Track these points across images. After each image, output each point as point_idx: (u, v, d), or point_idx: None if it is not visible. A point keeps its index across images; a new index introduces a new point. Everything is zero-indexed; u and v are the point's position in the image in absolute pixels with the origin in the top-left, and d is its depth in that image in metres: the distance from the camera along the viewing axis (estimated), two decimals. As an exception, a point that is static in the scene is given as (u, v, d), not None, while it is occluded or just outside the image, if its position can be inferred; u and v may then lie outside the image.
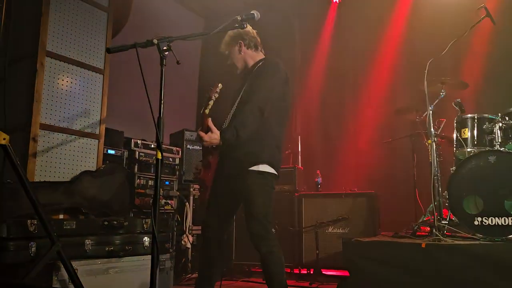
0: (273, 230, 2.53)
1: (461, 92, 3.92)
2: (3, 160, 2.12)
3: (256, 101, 2.47)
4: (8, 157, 2.13)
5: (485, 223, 2.94)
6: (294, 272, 4.21)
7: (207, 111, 2.43)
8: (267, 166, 2.53)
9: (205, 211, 2.70)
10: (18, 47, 3.24)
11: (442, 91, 3.69)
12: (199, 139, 2.41)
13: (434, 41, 4.72)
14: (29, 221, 2.49)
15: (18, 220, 2.49)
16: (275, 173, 2.56)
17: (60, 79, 3.25)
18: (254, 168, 2.49)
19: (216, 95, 2.46)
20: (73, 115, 3.31)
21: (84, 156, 3.36)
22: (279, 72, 2.65)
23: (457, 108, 3.51)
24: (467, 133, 3.42)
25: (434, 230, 3.04)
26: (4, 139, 2.10)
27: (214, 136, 2.37)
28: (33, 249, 2.46)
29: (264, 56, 2.81)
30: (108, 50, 1.85)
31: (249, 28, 2.72)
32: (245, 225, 2.50)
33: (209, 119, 2.40)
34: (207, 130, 2.38)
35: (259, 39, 2.81)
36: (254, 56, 2.77)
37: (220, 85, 2.49)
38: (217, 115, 2.52)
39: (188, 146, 4.75)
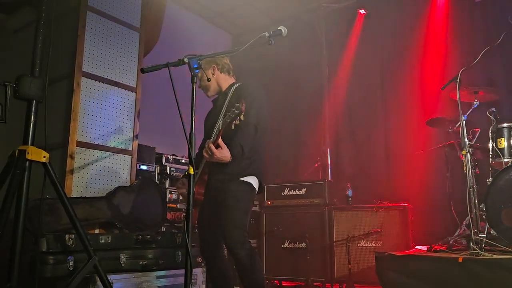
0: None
1: (495, 101, 3.81)
2: (44, 178, 2.21)
3: (251, 118, 2.54)
4: (48, 175, 2.21)
5: (526, 236, 2.83)
6: (326, 287, 4.15)
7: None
8: (254, 178, 2.65)
9: (198, 231, 2.77)
10: (55, 68, 3.39)
11: (476, 100, 3.61)
12: (209, 153, 2.43)
13: (465, 49, 4.65)
14: (67, 236, 2.58)
15: (57, 235, 2.58)
16: (258, 187, 2.67)
17: (95, 98, 3.38)
18: (241, 178, 2.60)
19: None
20: (107, 133, 3.42)
21: (118, 172, 3.46)
22: (263, 92, 2.77)
23: (492, 118, 3.42)
24: (503, 143, 3.32)
25: (471, 244, 2.94)
26: (44, 157, 2.19)
27: (225, 153, 2.45)
28: (71, 263, 2.53)
29: (235, 80, 2.90)
30: (142, 71, 1.92)
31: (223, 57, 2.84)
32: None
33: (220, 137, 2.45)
34: (217, 146, 2.43)
35: (231, 65, 2.92)
36: (227, 80, 2.87)
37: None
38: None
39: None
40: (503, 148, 3.32)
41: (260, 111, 2.65)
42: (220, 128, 2.41)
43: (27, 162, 2.12)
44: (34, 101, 2.23)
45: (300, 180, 4.79)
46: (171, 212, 4.17)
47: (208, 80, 2.77)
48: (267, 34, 2.29)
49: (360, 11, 5.59)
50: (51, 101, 3.30)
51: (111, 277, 2.56)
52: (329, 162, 5.47)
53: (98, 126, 3.38)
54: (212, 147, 2.42)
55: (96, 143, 3.35)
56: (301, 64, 5.98)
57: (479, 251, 2.87)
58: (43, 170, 2.20)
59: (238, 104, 2.32)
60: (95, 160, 3.31)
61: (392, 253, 3.28)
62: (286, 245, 4.39)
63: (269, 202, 4.61)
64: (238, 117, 2.33)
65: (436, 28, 4.98)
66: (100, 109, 3.41)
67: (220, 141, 2.43)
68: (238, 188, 2.59)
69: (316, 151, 5.60)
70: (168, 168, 4.30)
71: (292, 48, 5.82)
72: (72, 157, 3.15)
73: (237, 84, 2.84)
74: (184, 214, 2.58)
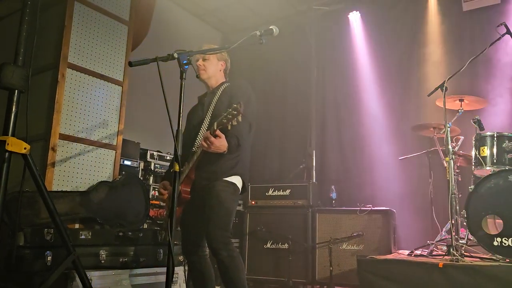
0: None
1: (480, 109, 3.87)
2: (23, 170, 2.15)
3: (247, 116, 2.52)
4: (28, 167, 2.16)
5: (505, 244, 2.88)
6: (307, 288, 4.17)
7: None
8: (239, 178, 2.65)
9: (180, 230, 2.75)
10: (40, 59, 3.32)
11: (461, 108, 3.65)
12: (208, 143, 2.38)
13: (452, 58, 4.71)
14: (45, 230, 2.52)
15: (35, 229, 2.52)
16: (242, 187, 2.68)
17: (80, 90, 3.31)
18: (227, 178, 2.59)
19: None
20: (92, 126, 3.36)
21: (101, 167, 3.40)
22: (253, 92, 2.77)
23: (475, 126, 3.47)
24: (486, 152, 3.37)
25: (451, 250, 2.98)
26: (25, 148, 2.14)
27: (223, 141, 2.39)
28: (49, 258, 2.48)
29: (225, 80, 2.90)
30: (130, 64, 1.88)
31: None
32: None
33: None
34: (215, 136, 2.38)
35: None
36: (220, 79, 2.88)
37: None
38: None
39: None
40: (485, 156, 3.37)
41: (253, 111, 2.65)
42: (216, 128, 2.35)
43: (7, 154, 2.06)
44: (16, 90, 2.17)
45: (284, 181, 4.79)
46: (154, 209, 4.12)
47: (214, 72, 2.80)
48: (258, 33, 2.28)
49: (350, 14, 5.62)
50: (34, 92, 3.26)
51: (90, 273, 2.51)
52: (314, 164, 5.48)
53: (82, 119, 3.31)
54: (210, 136, 2.37)
55: (79, 136, 3.28)
56: (290, 65, 5.98)
57: (459, 257, 2.91)
58: (23, 162, 2.14)
59: (236, 105, 2.26)
60: (78, 154, 3.25)
61: (373, 256, 3.31)
62: (268, 245, 4.38)
63: (253, 202, 4.60)
64: (236, 118, 2.28)
65: (425, 35, 5.04)
66: (85, 102, 3.34)
67: (218, 131, 2.38)
68: (223, 188, 2.58)
69: (302, 153, 5.61)
70: (153, 164, 4.25)
71: (281, 49, 5.82)
72: (54, 150, 3.08)
73: (227, 84, 2.83)
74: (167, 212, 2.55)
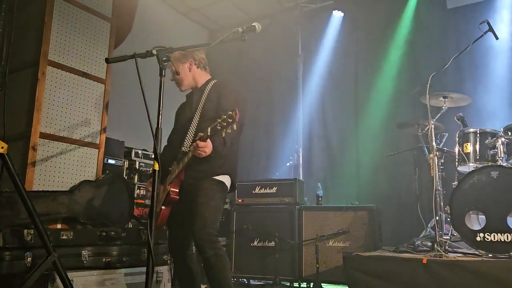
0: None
1: (463, 106, 3.90)
2: (0, 169, 2.10)
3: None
4: (5, 166, 2.11)
5: (488, 239, 2.91)
6: (294, 286, 4.16)
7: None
8: (228, 177, 2.65)
9: (168, 229, 2.74)
10: (20, 56, 3.25)
11: (444, 105, 3.68)
12: (201, 151, 2.36)
13: (436, 55, 4.74)
14: (25, 231, 2.47)
15: (15, 230, 2.46)
16: (230, 186, 2.68)
17: (61, 88, 3.25)
18: (215, 177, 2.59)
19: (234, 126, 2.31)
20: (74, 125, 3.30)
21: (83, 166, 3.34)
22: (241, 91, 2.76)
23: (459, 123, 3.49)
24: (469, 148, 3.40)
25: (435, 246, 3.00)
26: (2, 147, 2.09)
27: (208, 145, 2.37)
28: (29, 259, 2.43)
29: (211, 77, 2.86)
30: (107, 60, 1.85)
31: (200, 51, 2.80)
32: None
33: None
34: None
35: (206, 61, 2.87)
36: (203, 75, 2.83)
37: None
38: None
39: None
40: (468, 153, 3.40)
41: (242, 110, 2.61)
42: (209, 134, 2.31)
43: (-17, 153, 2.01)
44: (-8, 88, 2.12)
45: (271, 179, 4.77)
46: (139, 208, 4.08)
47: (185, 75, 2.73)
48: (240, 30, 2.25)
49: (336, 12, 5.62)
50: (14, 90, 3.20)
51: (71, 274, 2.47)
52: (301, 162, 5.49)
53: (63, 117, 3.25)
54: (203, 144, 2.34)
55: (61, 135, 3.22)
56: (276, 63, 5.97)
57: (443, 253, 2.93)
58: (1, 161, 2.09)
59: (231, 112, 2.21)
60: (60, 153, 3.20)
61: (359, 253, 3.32)
62: (255, 243, 4.37)
63: (239, 200, 4.58)
64: (231, 126, 2.23)
65: (409, 32, 5.07)
66: (67, 100, 3.28)
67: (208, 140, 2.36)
68: (210, 186, 2.57)
69: (289, 151, 5.61)
70: (137, 163, 4.20)
71: (268, 47, 5.81)
72: (34, 149, 3.03)
73: (214, 81, 2.80)
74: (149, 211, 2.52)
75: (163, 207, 2.58)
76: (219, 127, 2.25)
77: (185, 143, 2.65)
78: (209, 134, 2.31)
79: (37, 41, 3.18)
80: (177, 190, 2.56)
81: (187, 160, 2.50)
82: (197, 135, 2.50)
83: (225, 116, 2.23)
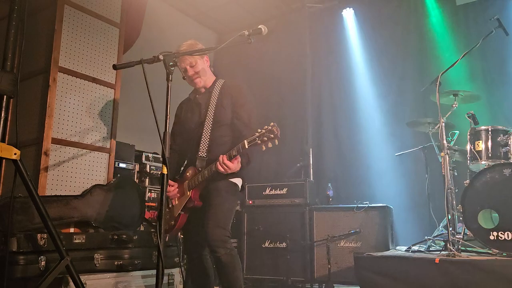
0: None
1: (474, 104, 3.86)
2: (14, 175, 2.14)
3: (253, 125, 2.52)
4: (18, 172, 2.15)
5: (501, 238, 2.87)
6: (306, 287, 4.15)
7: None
8: (240, 180, 2.68)
9: (184, 231, 2.77)
10: (31, 63, 3.31)
11: (455, 103, 3.64)
12: (224, 167, 2.40)
13: (446, 52, 4.70)
14: (39, 235, 2.51)
15: (28, 234, 2.50)
16: (241, 188, 2.71)
17: (72, 94, 3.30)
18: (230, 179, 2.61)
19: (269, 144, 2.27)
20: (85, 130, 3.35)
21: (95, 170, 3.38)
22: (252, 95, 2.75)
23: (470, 120, 3.45)
24: (481, 146, 3.36)
25: (448, 245, 2.97)
26: (15, 154, 2.13)
27: (238, 165, 2.44)
28: (43, 263, 2.46)
29: (215, 77, 2.85)
30: (114, 67, 1.87)
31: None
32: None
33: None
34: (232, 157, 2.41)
35: None
36: (211, 76, 2.83)
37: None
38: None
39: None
40: (480, 151, 3.36)
41: (254, 114, 2.66)
42: (247, 146, 2.30)
43: (-4, 160, 2.05)
44: (5, 96, 2.16)
45: (281, 180, 4.78)
46: (151, 211, 4.12)
47: (203, 73, 2.73)
48: (246, 33, 2.25)
49: (344, 11, 5.60)
50: (26, 97, 3.25)
51: (84, 277, 2.50)
52: (311, 162, 5.47)
53: (75, 122, 3.30)
54: (228, 161, 2.38)
55: (72, 140, 3.27)
56: (285, 63, 5.97)
57: (456, 252, 2.90)
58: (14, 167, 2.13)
59: (270, 127, 2.19)
60: (71, 158, 3.24)
61: (370, 253, 3.30)
62: (266, 244, 4.37)
63: (250, 202, 4.59)
64: (273, 141, 2.19)
65: (419, 30, 5.03)
66: (77, 106, 3.33)
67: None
68: (225, 188, 2.59)
69: (299, 151, 5.60)
70: (148, 166, 4.24)
71: (276, 47, 5.81)
72: (46, 154, 3.07)
73: (222, 81, 2.79)
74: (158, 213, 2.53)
75: (182, 213, 2.61)
76: (259, 142, 2.23)
77: (200, 148, 2.63)
78: (246, 146, 2.30)
79: (47, 48, 3.23)
80: (198, 197, 2.60)
81: (210, 174, 2.52)
82: (212, 140, 2.56)
83: (264, 131, 2.21)
